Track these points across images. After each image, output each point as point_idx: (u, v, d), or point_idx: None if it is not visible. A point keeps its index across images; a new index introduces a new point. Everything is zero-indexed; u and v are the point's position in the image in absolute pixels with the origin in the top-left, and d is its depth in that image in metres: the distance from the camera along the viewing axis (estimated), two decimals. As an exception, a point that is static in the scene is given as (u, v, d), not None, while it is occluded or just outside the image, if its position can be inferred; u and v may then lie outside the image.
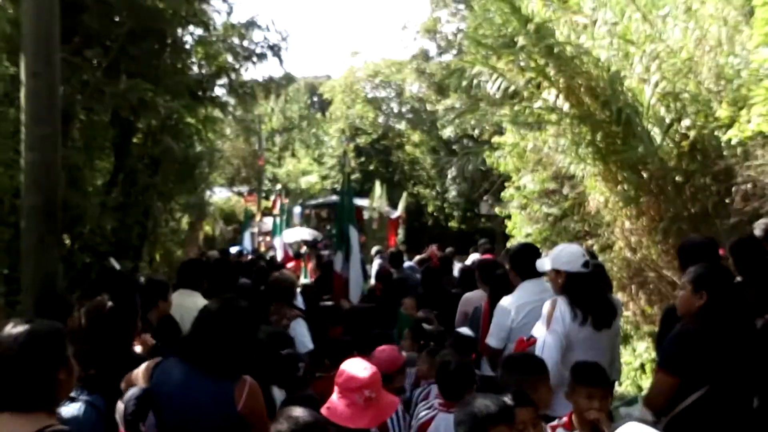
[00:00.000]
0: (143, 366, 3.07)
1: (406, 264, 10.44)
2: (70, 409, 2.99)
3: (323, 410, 2.96)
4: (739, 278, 4.49)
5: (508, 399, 2.82)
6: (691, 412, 3.18)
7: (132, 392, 2.87)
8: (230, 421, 2.86)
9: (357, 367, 3.04)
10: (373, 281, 9.34)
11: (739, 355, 3.24)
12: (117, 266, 7.42)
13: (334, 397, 3.01)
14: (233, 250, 15.85)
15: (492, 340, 4.57)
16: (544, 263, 4.32)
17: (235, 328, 2.98)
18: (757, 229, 5.02)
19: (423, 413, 3.75)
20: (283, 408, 2.59)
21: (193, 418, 2.88)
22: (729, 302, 3.32)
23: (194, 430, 2.90)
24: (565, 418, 3.32)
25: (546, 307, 4.11)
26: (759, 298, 4.02)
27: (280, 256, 14.48)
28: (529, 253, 4.72)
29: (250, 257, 13.76)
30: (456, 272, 9.19)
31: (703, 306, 3.34)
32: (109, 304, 3.67)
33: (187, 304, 4.61)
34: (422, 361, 4.65)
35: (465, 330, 5.11)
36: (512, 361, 3.62)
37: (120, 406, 2.81)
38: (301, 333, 5.23)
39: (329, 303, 7.40)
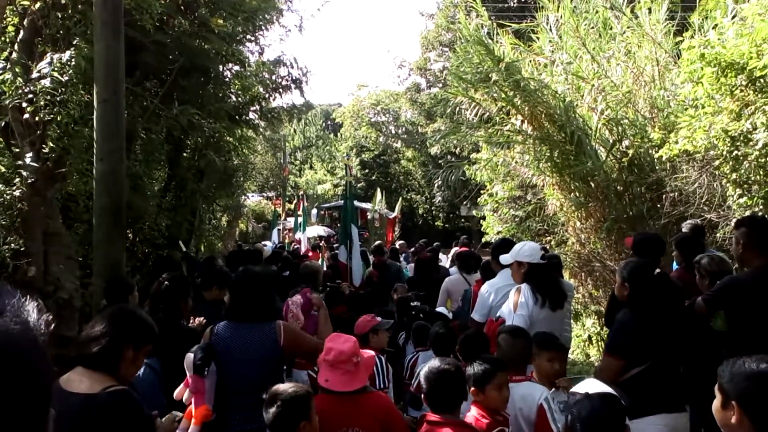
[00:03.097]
0: (207, 331, 3.28)
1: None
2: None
3: (321, 383, 2.88)
4: (678, 266, 4.51)
5: (486, 365, 2.85)
6: (631, 384, 3.09)
7: (197, 346, 3.03)
8: (276, 354, 3.10)
9: (340, 342, 2.94)
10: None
11: (667, 334, 3.16)
12: (184, 248, 7.37)
13: (327, 371, 2.88)
14: (264, 243, 15.79)
15: (476, 315, 4.57)
16: (507, 258, 4.31)
17: (255, 283, 3.24)
18: (685, 228, 5.02)
19: (407, 358, 4.71)
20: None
21: (245, 360, 3.05)
22: (649, 291, 3.23)
23: (246, 369, 3.04)
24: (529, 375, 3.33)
25: (512, 293, 4.10)
26: (695, 282, 4.02)
27: (303, 249, 14.44)
28: (506, 246, 4.67)
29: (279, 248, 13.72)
30: (445, 261, 9.24)
31: (628, 295, 3.31)
32: (166, 283, 3.65)
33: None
34: None
35: (440, 309, 5.53)
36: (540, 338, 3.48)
37: (189, 356, 2.95)
38: None
39: (332, 286, 7.34)
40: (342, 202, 24.24)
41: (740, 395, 1.82)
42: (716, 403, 1.93)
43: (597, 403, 2.21)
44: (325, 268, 10.21)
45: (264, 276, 3.37)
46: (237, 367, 3.05)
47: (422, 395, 2.81)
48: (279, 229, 19.34)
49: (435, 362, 2.80)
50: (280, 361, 3.18)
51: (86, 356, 2.20)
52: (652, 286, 3.21)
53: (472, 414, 2.81)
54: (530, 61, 8.30)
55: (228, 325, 3.19)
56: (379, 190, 24.56)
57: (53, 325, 0.80)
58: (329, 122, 43.07)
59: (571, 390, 2.36)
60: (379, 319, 4.25)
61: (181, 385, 3.00)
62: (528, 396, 3.01)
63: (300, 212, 17.41)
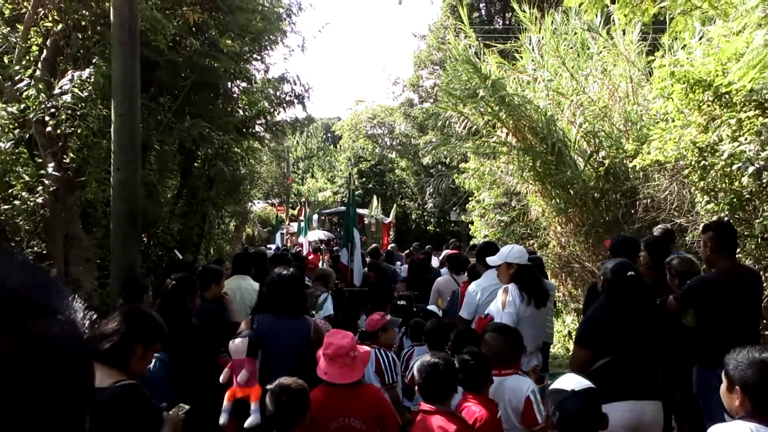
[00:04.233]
0: (244, 321, 3.47)
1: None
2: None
3: (321, 375, 2.86)
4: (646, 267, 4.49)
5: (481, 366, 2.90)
6: (599, 372, 3.03)
7: (245, 332, 3.23)
8: (307, 346, 3.30)
9: (339, 338, 2.93)
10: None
11: (634, 328, 3.14)
12: (180, 256, 7.37)
13: (326, 364, 2.86)
14: (269, 247, 15.74)
15: (464, 313, 4.55)
16: (495, 260, 4.28)
17: (295, 282, 3.45)
18: (656, 232, 5.03)
19: (403, 351, 4.61)
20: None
21: (285, 348, 3.26)
22: (623, 288, 3.20)
23: (285, 356, 3.23)
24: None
25: (500, 293, 4.08)
26: (661, 281, 4.02)
27: (305, 251, 14.40)
28: (489, 249, 4.65)
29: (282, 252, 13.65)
30: (435, 262, 9.22)
31: (604, 290, 3.30)
32: (172, 284, 3.64)
33: (243, 285, 4.99)
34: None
35: (431, 307, 5.57)
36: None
37: (236, 342, 3.15)
38: (327, 303, 5.57)
39: (336, 290, 7.30)
40: (342, 208, 24.38)
41: (743, 381, 1.91)
42: (723, 388, 2.02)
43: (585, 400, 2.21)
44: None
45: (300, 277, 3.57)
46: (278, 353, 3.23)
47: (416, 387, 2.80)
48: (282, 233, 19.30)
49: (427, 356, 2.79)
50: (311, 352, 3.29)
51: (98, 352, 2.17)
52: (626, 284, 3.21)
53: (476, 408, 2.76)
54: (514, 78, 8.33)
55: (269, 317, 3.37)
56: (375, 197, 24.59)
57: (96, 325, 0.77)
58: (329, 134, 43.06)
59: (553, 387, 2.33)
60: (388, 317, 4.25)
61: (225, 369, 3.16)
62: (517, 389, 3.00)
63: (302, 218, 17.38)
